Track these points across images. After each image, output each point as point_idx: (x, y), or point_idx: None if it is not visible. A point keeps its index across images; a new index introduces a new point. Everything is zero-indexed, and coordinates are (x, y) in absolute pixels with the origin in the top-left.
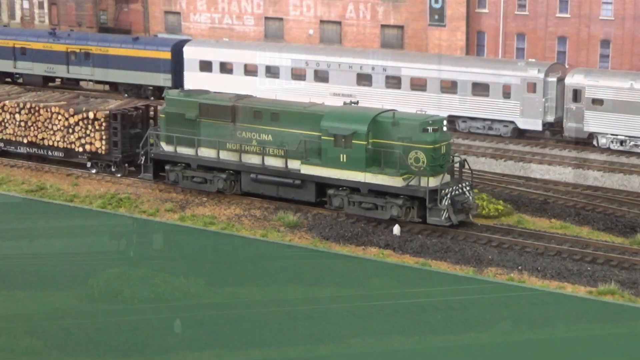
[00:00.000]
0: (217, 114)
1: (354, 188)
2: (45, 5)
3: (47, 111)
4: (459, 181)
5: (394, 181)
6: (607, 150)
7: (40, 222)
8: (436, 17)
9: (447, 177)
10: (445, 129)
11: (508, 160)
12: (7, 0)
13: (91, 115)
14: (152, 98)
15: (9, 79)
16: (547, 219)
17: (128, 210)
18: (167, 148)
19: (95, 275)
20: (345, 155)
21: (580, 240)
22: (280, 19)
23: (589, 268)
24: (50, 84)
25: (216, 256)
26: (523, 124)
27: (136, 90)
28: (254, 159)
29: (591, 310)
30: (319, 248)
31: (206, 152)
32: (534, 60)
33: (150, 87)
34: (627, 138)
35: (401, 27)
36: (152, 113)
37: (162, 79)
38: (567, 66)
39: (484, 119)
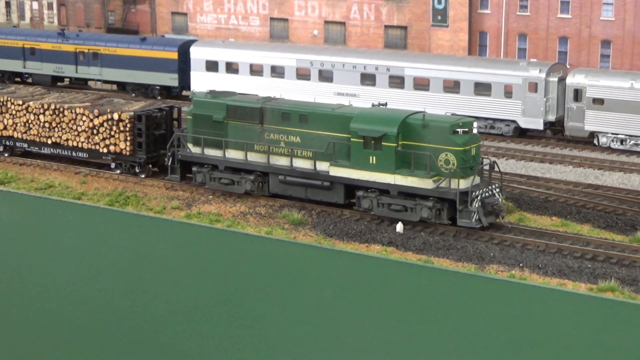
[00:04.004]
0: (244, 116)
1: (383, 190)
2: (54, 6)
3: (71, 112)
4: (488, 183)
5: (424, 183)
6: (608, 149)
7: (49, 220)
8: (439, 17)
9: (477, 179)
10: (475, 130)
11: (510, 159)
12: (17, 1)
13: (116, 116)
14: (159, 97)
15: (18, 79)
16: (548, 217)
17: (135, 208)
18: (194, 149)
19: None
20: (374, 157)
21: (580, 238)
22: (286, 20)
23: (589, 265)
24: (59, 84)
25: (220, 253)
26: (525, 123)
27: (143, 90)
28: (282, 161)
29: (591, 307)
30: (323, 245)
31: (234, 154)
32: (535, 60)
33: (158, 87)
34: (627, 137)
35: (404, 28)
36: (175, 114)
37: (169, 79)
38: (568, 66)
39: (486, 118)
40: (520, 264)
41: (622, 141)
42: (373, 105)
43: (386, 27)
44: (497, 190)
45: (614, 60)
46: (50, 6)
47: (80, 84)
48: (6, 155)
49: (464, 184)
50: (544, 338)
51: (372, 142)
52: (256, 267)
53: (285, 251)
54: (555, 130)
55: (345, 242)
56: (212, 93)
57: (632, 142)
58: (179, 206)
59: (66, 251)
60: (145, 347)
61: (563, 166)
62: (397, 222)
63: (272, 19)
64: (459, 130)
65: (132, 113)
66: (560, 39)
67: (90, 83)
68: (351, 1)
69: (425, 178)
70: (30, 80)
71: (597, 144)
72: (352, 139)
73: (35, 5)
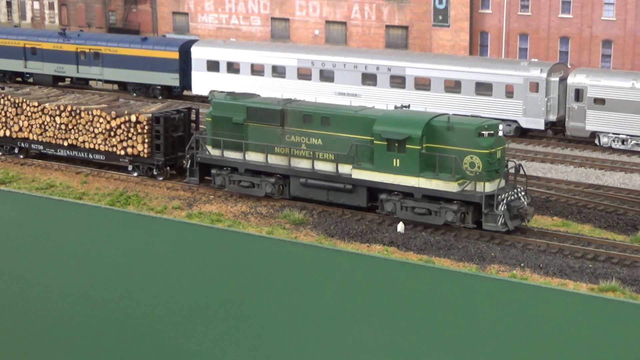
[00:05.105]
0: (265, 118)
1: (407, 193)
2: (56, 6)
3: (88, 114)
4: (513, 186)
5: (448, 186)
6: (609, 149)
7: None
8: (440, 17)
9: (503, 182)
10: (500, 133)
11: (511, 159)
12: (18, 1)
13: (133, 118)
14: (160, 97)
15: (19, 79)
16: (549, 217)
17: (136, 207)
18: (213, 152)
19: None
20: (398, 160)
21: (582, 238)
22: (287, 20)
23: (590, 265)
24: (60, 84)
25: (221, 253)
26: (526, 123)
27: (145, 89)
28: (303, 164)
29: (593, 307)
30: (324, 245)
31: (254, 156)
32: (536, 60)
33: (159, 87)
34: (628, 137)
35: (406, 28)
36: (193, 116)
37: (170, 79)
38: (569, 66)
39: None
40: (522, 264)
41: (623, 141)
42: (396, 107)
43: (387, 27)
44: (523, 193)
45: (615, 60)
46: (51, 6)
47: (81, 83)
48: (21, 157)
49: (489, 187)
50: (545, 338)
51: (396, 144)
52: (257, 267)
53: (286, 251)
54: (556, 130)
55: (347, 242)
56: (232, 95)
57: (633, 142)
58: (180, 206)
59: (67, 251)
60: (146, 347)
61: (564, 166)
62: (399, 222)
63: (273, 18)
64: (484, 132)
65: (150, 115)
66: (562, 38)
67: (91, 83)
68: (352, 1)
69: (450, 181)
70: (31, 80)
71: (598, 144)
72: (375, 142)
73: (36, 5)
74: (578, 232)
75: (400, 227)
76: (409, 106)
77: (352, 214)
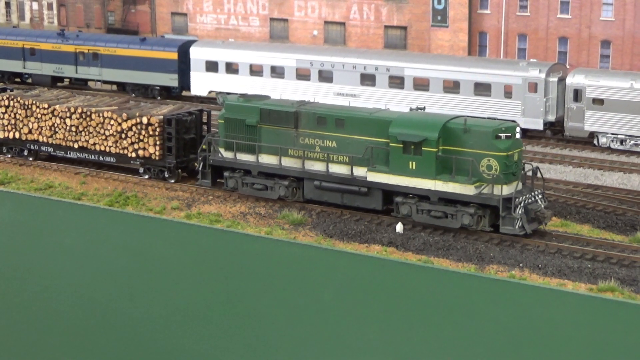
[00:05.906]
0: (279, 120)
1: (423, 196)
2: (54, 6)
3: (99, 116)
4: (531, 189)
5: (465, 189)
6: (608, 149)
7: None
8: (439, 18)
9: (520, 185)
10: (518, 135)
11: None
12: (17, 1)
13: (145, 120)
14: (159, 98)
15: (18, 79)
16: None
17: (135, 208)
18: (226, 154)
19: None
20: (414, 163)
21: (580, 238)
22: (285, 20)
23: (589, 265)
24: (59, 84)
25: (220, 254)
26: (524, 123)
27: (143, 90)
28: (317, 166)
29: (591, 307)
30: (322, 246)
31: (267, 159)
32: (535, 60)
33: (157, 87)
34: (627, 137)
35: (404, 28)
36: (205, 118)
37: (169, 79)
38: (568, 66)
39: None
40: (520, 264)
41: (621, 141)
42: (411, 109)
43: (386, 27)
44: (540, 196)
45: (613, 61)
46: (50, 6)
47: (80, 84)
48: (31, 159)
49: (507, 190)
50: (544, 338)
51: (412, 147)
52: (256, 268)
53: (285, 251)
54: (555, 130)
55: (345, 243)
56: (245, 97)
57: (632, 142)
58: (179, 206)
59: (66, 252)
60: (145, 347)
61: (563, 166)
62: (398, 223)
63: (272, 19)
64: (501, 135)
65: (162, 117)
66: (560, 39)
67: (90, 83)
68: (351, 1)
69: (466, 184)
70: (30, 80)
71: (596, 144)
72: (391, 144)
73: (35, 5)
74: (577, 233)
75: (399, 227)
76: (424, 108)
77: (350, 214)
